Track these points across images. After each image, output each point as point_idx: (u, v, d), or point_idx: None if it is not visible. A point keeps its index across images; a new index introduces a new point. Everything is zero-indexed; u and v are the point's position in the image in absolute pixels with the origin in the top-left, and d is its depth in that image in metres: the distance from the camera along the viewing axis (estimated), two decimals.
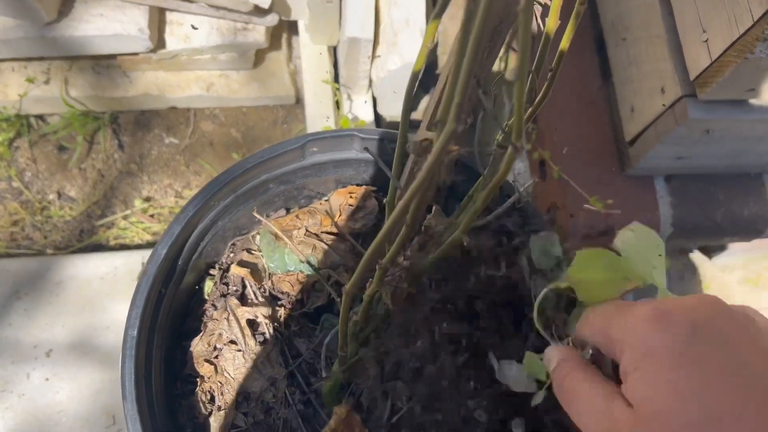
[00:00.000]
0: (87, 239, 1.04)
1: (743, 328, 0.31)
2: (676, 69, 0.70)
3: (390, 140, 0.63)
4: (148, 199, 1.07)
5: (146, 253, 1.00)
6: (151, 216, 1.06)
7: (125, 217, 1.05)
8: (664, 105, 0.72)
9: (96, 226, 1.05)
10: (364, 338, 0.59)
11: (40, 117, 1.05)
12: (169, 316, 0.62)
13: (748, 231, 0.86)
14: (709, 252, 1.30)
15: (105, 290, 0.98)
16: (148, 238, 1.05)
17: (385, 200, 0.59)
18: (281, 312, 0.63)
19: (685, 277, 1.38)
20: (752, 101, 0.69)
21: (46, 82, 0.97)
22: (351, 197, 0.67)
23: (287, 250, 0.64)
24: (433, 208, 0.53)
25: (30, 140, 1.05)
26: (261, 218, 0.63)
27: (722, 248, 1.28)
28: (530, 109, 0.45)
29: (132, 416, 0.52)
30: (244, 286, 0.65)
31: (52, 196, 1.06)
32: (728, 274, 1.38)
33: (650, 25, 0.75)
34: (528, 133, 0.82)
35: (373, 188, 0.67)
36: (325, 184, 0.69)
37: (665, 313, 0.31)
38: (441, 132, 0.35)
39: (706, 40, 0.65)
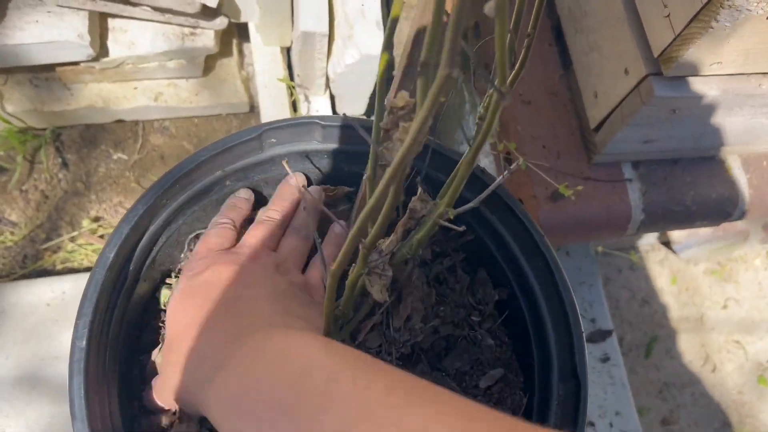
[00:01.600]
0: (31, 265, 0.97)
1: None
2: (639, 48, 0.69)
3: (353, 128, 0.59)
4: (96, 219, 1.00)
5: None
6: (101, 237, 0.99)
7: (72, 239, 0.99)
8: (631, 85, 0.71)
9: (41, 250, 0.98)
10: (352, 329, 0.56)
11: None
12: (123, 328, 0.56)
13: (717, 214, 0.85)
14: (671, 246, 1.31)
15: (52, 317, 0.91)
16: (94, 257, 0.98)
17: (365, 176, 0.55)
18: None
19: (653, 271, 1.38)
20: (716, 75, 0.68)
21: None
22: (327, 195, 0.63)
23: None
24: (419, 190, 0.50)
25: None
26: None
27: (686, 241, 1.28)
28: (513, 72, 0.43)
29: None
30: None
31: None
32: (693, 266, 1.39)
33: (609, 6, 0.74)
34: (490, 126, 0.79)
35: (350, 189, 0.64)
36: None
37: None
38: (430, 79, 0.32)
39: (668, 15, 0.64)
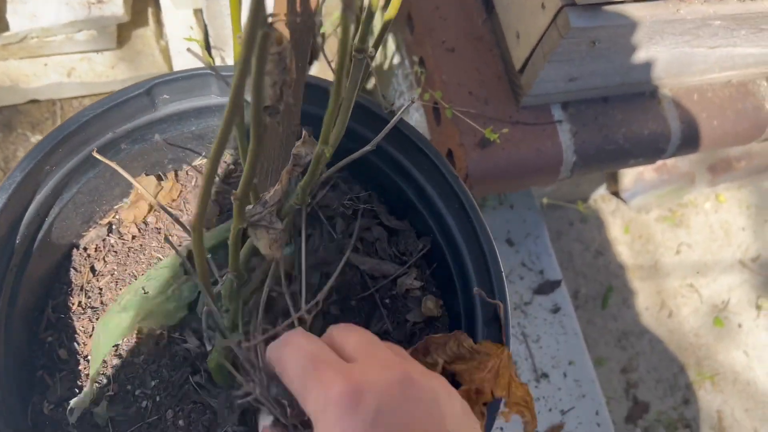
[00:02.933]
0: None
1: (427, 412, 0.34)
2: None
3: None
4: None
5: None
6: None
7: None
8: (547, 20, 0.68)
9: None
10: (247, 295, 0.52)
11: None
12: (16, 308, 0.53)
13: (651, 151, 0.84)
14: (620, 195, 1.30)
15: None
16: None
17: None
18: None
19: (605, 222, 1.37)
20: (633, 1, 0.66)
21: None
22: None
23: None
24: (303, 133, 0.47)
25: None
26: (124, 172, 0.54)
27: (633, 188, 1.27)
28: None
29: None
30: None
31: None
32: (645, 215, 1.39)
33: None
34: (417, 75, 0.76)
35: None
36: (192, 140, 0.61)
37: (357, 394, 0.33)
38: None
39: None
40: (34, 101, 0.96)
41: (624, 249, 1.36)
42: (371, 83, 0.97)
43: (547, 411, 0.98)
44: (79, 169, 0.55)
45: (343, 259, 0.59)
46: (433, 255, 0.64)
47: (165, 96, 0.56)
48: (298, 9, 0.43)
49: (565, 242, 1.33)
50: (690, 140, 0.85)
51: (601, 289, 1.31)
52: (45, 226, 0.55)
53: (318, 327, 0.58)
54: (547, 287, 1.04)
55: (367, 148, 0.49)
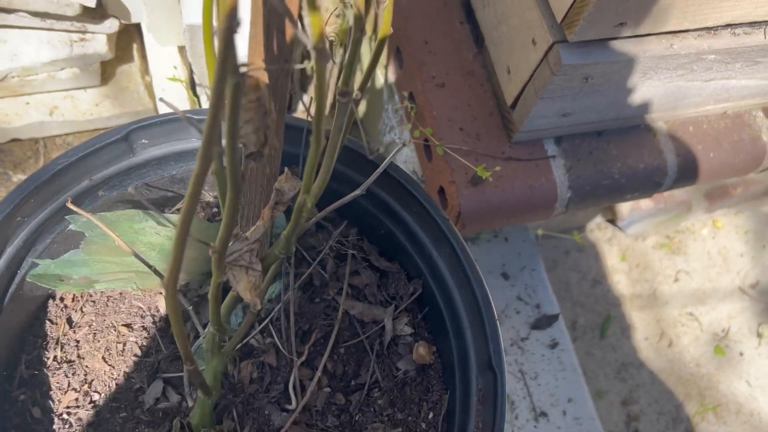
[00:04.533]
0: None
1: None
2: (543, 15, 0.65)
3: None
4: None
5: None
6: None
7: None
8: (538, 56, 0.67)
9: None
10: (230, 351, 0.50)
11: None
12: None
13: (647, 185, 0.82)
14: (616, 223, 1.28)
15: None
16: None
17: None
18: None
19: (601, 251, 1.35)
20: (624, 39, 0.65)
21: None
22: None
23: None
24: (285, 170, 0.45)
25: None
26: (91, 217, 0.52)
27: (630, 216, 1.26)
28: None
29: None
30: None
31: None
32: (642, 242, 1.37)
33: None
34: (407, 111, 0.74)
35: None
36: (172, 184, 0.59)
37: None
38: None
39: None
40: (15, 140, 0.94)
41: (621, 277, 1.33)
42: (360, 113, 0.95)
43: None
44: (53, 219, 0.53)
45: (340, 309, 0.57)
46: (424, 299, 0.61)
47: (143, 141, 0.54)
48: (275, 53, 0.41)
49: (562, 271, 1.31)
50: (686, 173, 0.84)
51: (599, 319, 1.29)
52: (17, 279, 0.52)
53: (320, 397, 0.56)
54: (544, 322, 1.02)
55: (357, 192, 0.47)
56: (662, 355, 1.29)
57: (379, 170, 0.48)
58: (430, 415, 0.57)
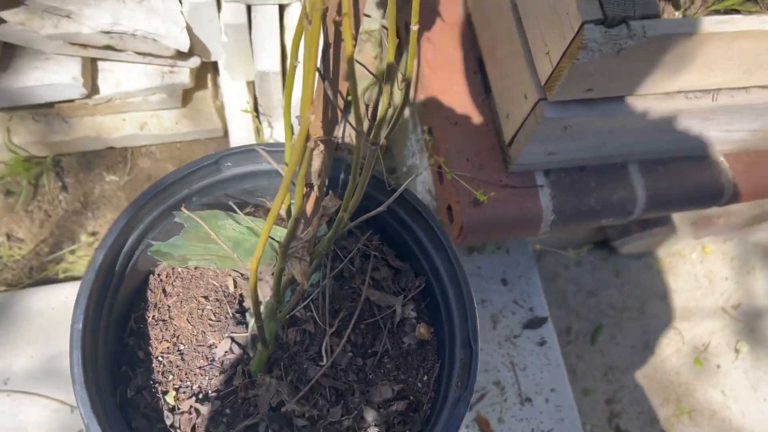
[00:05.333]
0: (37, 275, 1.12)
1: None
2: (532, 78, 0.84)
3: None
4: (93, 234, 1.15)
5: None
6: (96, 249, 1.14)
7: (72, 252, 1.14)
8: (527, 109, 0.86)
9: (45, 262, 1.13)
10: (282, 318, 0.70)
11: None
12: (112, 317, 0.71)
13: (619, 213, 1.00)
14: (611, 242, 1.45)
15: (57, 319, 1.05)
16: None
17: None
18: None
19: (598, 267, 1.52)
20: (595, 100, 0.83)
21: None
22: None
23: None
24: (329, 192, 0.65)
25: None
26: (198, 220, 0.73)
27: (624, 238, 1.43)
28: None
29: (81, 397, 0.62)
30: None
31: (0, 239, 1.13)
32: (636, 261, 1.54)
33: (511, 43, 0.89)
34: (426, 142, 0.95)
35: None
36: (244, 195, 0.80)
37: None
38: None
39: (548, 53, 0.79)
40: (111, 148, 1.16)
41: (614, 292, 1.50)
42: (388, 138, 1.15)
43: (530, 431, 1.13)
44: (161, 216, 0.74)
45: (362, 295, 0.76)
46: (426, 291, 0.81)
47: (228, 163, 0.74)
48: (329, 119, 0.61)
49: (561, 283, 1.49)
50: (654, 205, 1.01)
51: (591, 327, 1.46)
52: (134, 258, 0.73)
53: (344, 358, 0.75)
54: (535, 323, 1.20)
55: (379, 209, 0.66)
56: (646, 363, 1.46)
57: (395, 195, 0.68)
58: (425, 378, 0.76)
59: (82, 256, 1.14)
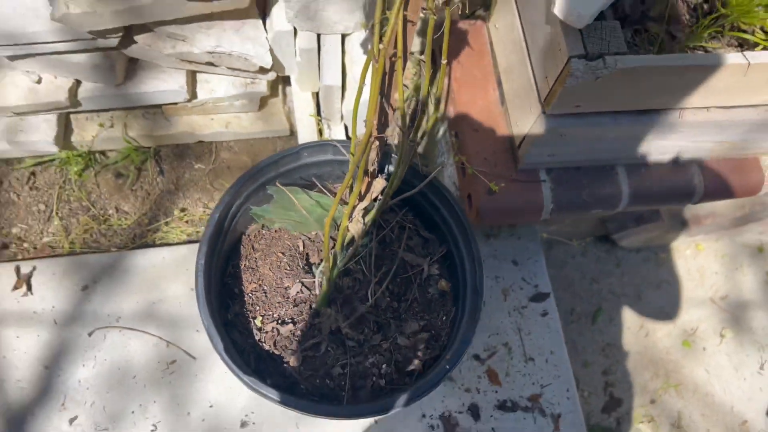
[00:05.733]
0: (139, 241, 1.41)
1: None
2: (536, 95, 1.09)
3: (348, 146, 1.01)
4: (183, 210, 1.44)
5: (184, 248, 1.36)
6: (186, 222, 1.43)
7: (167, 224, 1.43)
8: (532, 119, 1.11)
9: (145, 230, 1.42)
10: (342, 266, 0.97)
11: (103, 153, 1.43)
12: (219, 262, 0.99)
13: (607, 205, 1.24)
14: (611, 235, 1.68)
15: (157, 274, 1.34)
16: (184, 237, 1.42)
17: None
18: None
19: (601, 258, 1.75)
20: (583, 114, 1.08)
21: (111, 126, 1.36)
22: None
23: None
24: (379, 176, 0.91)
25: (95, 170, 1.43)
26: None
27: (622, 232, 1.66)
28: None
29: (203, 308, 0.89)
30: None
31: (111, 211, 1.43)
32: (635, 254, 1.76)
33: (522, 69, 1.14)
34: (453, 144, 1.22)
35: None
36: (315, 178, 1.07)
37: None
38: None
39: (546, 77, 1.04)
40: (200, 142, 1.44)
41: (614, 280, 1.73)
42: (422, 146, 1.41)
43: (531, 384, 1.37)
44: (254, 192, 1.01)
45: (399, 256, 1.02)
46: (447, 255, 1.06)
47: (305, 153, 1.01)
48: (382, 121, 0.87)
49: (568, 271, 1.72)
50: (636, 199, 1.25)
51: (592, 309, 1.69)
52: (234, 222, 1.01)
53: (383, 300, 1.02)
54: (539, 297, 1.44)
55: (414, 191, 0.93)
56: (639, 342, 1.68)
57: (426, 181, 0.94)
58: (444, 318, 1.02)
59: (174, 227, 1.43)
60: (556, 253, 1.72)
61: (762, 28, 1.05)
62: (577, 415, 1.36)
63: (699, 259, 1.78)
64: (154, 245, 1.42)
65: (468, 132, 1.25)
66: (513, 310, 1.43)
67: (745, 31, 1.03)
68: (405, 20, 0.72)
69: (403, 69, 0.77)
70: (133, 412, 1.24)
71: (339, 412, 0.88)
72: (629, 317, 1.69)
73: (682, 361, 1.66)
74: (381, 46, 0.68)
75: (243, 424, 1.24)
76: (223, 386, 1.26)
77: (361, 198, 0.91)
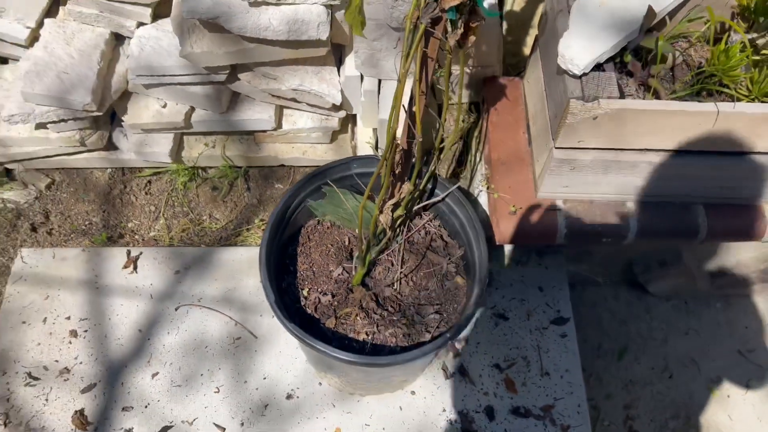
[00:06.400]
0: (224, 241, 1.72)
1: None
2: (550, 134, 1.32)
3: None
4: (262, 220, 1.74)
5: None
6: (263, 229, 1.72)
7: (248, 230, 1.73)
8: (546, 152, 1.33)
9: (230, 234, 1.73)
10: (374, 253, 1.21)
11: (204, 168, 1.77)
12: (281, 240, 1.26)
13: (616, 235, 1.42)
14: (638, 277, 1.82)
15: (235, 268, 1.63)
16: (258, 241, 1.71)
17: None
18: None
19: (631, 303, 1.89)
20: (586, 148, 1.29)
21: (213, 147, 1.70)
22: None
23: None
24: (406, 180, 1.17)
25: (196, 182, 1.77)
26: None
27: (647, 274, 1.80)
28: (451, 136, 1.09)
29: (263, 273, 1.15)
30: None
31: (205, 217, 1.75)
32: (664, 302, 1.88)
33: (542, 114, 1.38)
34: (485, 175, 1.48)
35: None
36: (360, 184, 1.34)
37: None
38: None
39: (556, 116, 1.27)
40: (281, 165, 1.76)
41: (643, 324, 1.86)
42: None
43: (545, 396, 1.52)
44: (310, 193, 1.28)
45: (423, 253, 1.26)
46: (464, 257, 1.29)
47: (354, 164, 1.28)
48: (408, 137, 1.13)
49: (598, 310, 1.87)
50: (644, 232, 1.42)
51: (618, 347, 1.81)
52: (294, 215, 1.28)
53: (406, 287, 1.25)
54: (560, 321, 1.61)
55: (438, 199, 1.17)
56: (662, 382, 1.78)
57: (447, 193, 1.18)
58: (455, 306, 1.23)
59: (253, 233, 1.73)
60: (589, 294, 1.87)
61: (746, 87, 1.24)
62: (586, 429, 1.50)
63: (729, 312, 1.86)
64: (235, 245, 1.72)
65: (498, 165, 1.48)
66: (534, 329, 1.61)
67: (726, 86, 1.22)
68: (425, 55, 0.99)
69: (426, 93, 1.03)
70: (202, 374, 1.50)
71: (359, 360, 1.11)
72: (654, 358, 1.79)
73: (704, 405, 1.74)
74: (402, 69, 0.95)
75: (288, 396, 1.48)
76: (276, 364, 1.51)
77: (391, 196, 1.16)
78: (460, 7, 0.92)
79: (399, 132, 1.08)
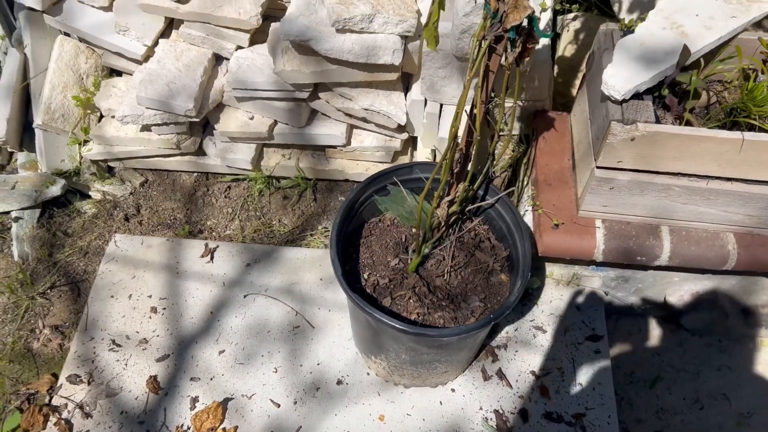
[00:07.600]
0: (290, 243, 1.90)
1: None
2: (592, 156, 1.48)
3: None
4: (324, 228, 1.93)
5: (320, 251, 1.83)
6: (325, 236, 1.91)
7: (311, 235, 1.91)
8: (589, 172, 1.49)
9: (296, 237, 1.91)
10: (429, 245, 1.38)
11: (277, 178, 1.98)
12: (347, 236, 1.44)
13: (650, 255, 1.55)
14: (671, 308, 1.92)
15: (298, 265, 1.81)
16: (321, 245, 1.89)
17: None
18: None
19: (666, 337, 1.97)
20: (625, 169, 1.44)
21: (288, 158, 1.92)
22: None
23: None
24: (461, 184, 1.34)
25: (270, 191, 1.98)
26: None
27: (687, 316, 1.89)
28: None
29: (332, 253, 1.33)
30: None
31: (275, 221, 1.95)
32: (698, 338, 1.96)
33: (586, 139, 1.54)
34: (531, 195, 1.66)
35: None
36: (420, 186, 1.52)
37: None
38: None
39: (598, 138, 1.44)
40: (346, 180, 1.96)
41: (675, 357, 1.93)
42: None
43: (577, 404, 1.62)
44: (378, 189, 1.47)
45: (472, 252, 1.42)
46: (509, 257, 1.44)
47: (417, 169, 1.47)
48: (467, 137, 1.31)
49: (633, 341, 1.96)
50: (675, 256, 1.54)
51: (650, 376, 1.89)
52: (361, 209, 1.47)
53: (455, 279, 1.41)
54: (595, 338, 1.71)
55: (488, 203, 1.34)
56: (693, 413, 1.84)
57: (497, 199, 1.34)
58: (499, 298, 1.38)
59: (316, 238, 1.91)
60: (624, 325, 1.96)
61: None
62: None
63: (762, 354, 1.92)
64: (299, 246, 1.90)
65: (543, 186, 1.64)
66: (570, 343, 1.72)
67: (754, 118, 1.37)
68: (487, 67, 1.18)
69: (485, 102, 1.21)
70: (262, 355, 1.66)
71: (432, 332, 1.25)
72: (685, 390, 1.86)
73: None
74: (468, 76, 1.13)
75: (338, 382, 1.62)
76: (330, 352, 1.66)
77: (447, 193, 1.34)
78: (519, 28, 1.11)
79: (460, 132, 1.26)
